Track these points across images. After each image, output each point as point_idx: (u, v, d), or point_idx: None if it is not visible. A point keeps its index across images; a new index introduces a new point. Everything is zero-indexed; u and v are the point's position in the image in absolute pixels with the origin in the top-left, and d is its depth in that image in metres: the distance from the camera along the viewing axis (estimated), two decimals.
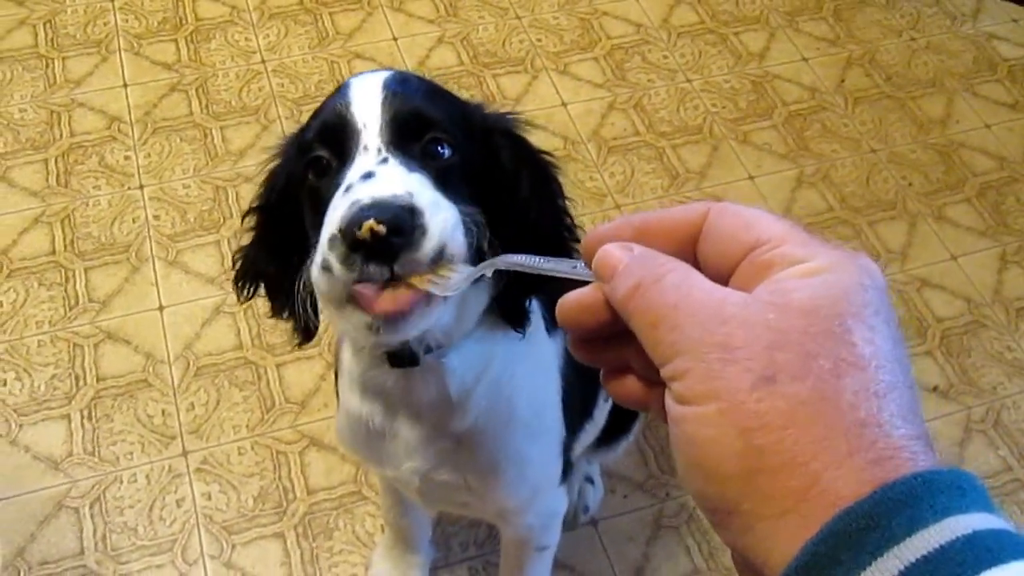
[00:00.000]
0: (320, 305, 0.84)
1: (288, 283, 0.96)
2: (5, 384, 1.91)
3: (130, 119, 2.38)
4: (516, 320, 1.04)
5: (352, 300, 0.78)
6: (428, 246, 0.74)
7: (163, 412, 1.89)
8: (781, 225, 0.47)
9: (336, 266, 0.76)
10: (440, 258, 0.75)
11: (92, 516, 1.76)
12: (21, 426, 1.86)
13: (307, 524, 1.76)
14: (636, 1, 2.77)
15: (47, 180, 2.24)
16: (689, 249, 0.50)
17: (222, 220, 2.19)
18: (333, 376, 1.30)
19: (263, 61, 2.53)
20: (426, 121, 0.89)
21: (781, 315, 0.43)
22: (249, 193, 2.16)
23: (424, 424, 1.10)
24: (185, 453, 1.84)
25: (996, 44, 2.77)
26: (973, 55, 2.74)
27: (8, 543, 1.72)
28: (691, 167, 2.38)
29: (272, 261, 1.01)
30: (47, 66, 2.48)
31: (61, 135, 2.33)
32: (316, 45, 2.58)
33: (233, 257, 1.08)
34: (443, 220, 0.77)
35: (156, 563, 1.71)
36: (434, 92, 0.96)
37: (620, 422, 1.65)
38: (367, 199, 0.75)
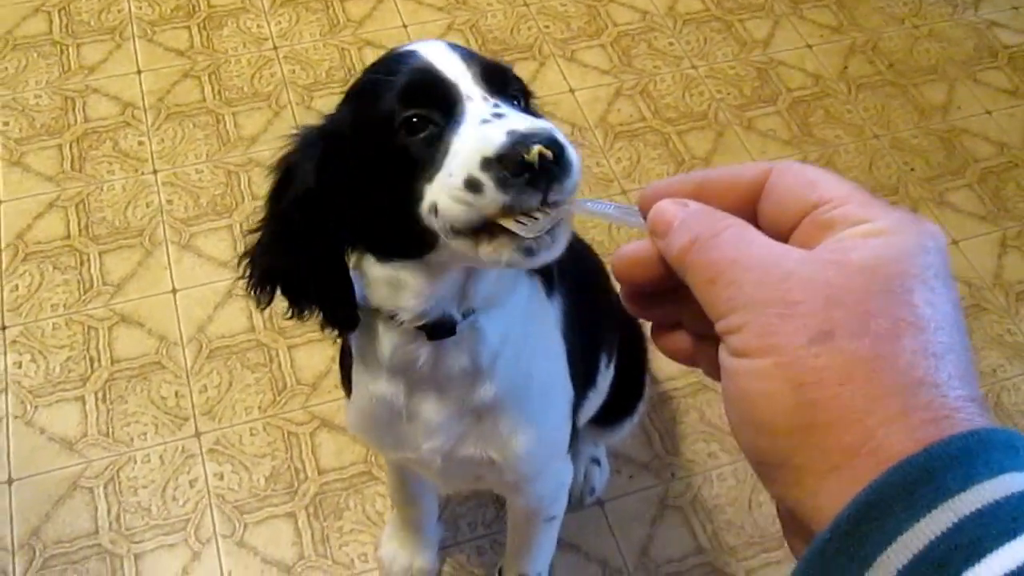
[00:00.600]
0: (445, 237, 0.82)
1: (330, 271, 0.98)
2: (20, 366, 1.94)
3: (144, 105, 2.40)
4: (548, 276, 1.08)
5: (484, 229, 0.78)
6: (573, 178, 0.76)
7: (176, 394, 1.92)
8: (844, 186, 0.47)
9: (491, 187, 0.75)
10: (571, 193, 0.76)
11: (106, 496, 1.79)
12: (36, 407, 1.89)
13: (318, 504, 1.79)
14: None
15: (62, 165, 2.27)
16: (748, 207, 0.50)
17: (235, 205, 2.21)
18: (341, 367, 1.29)
19: (275, 48, 2.55)
20: (508, 75, 0.92)
21: (841, 273, 0.43)
22: (261, 178, 2.21)
23: (449, 399, 1.11)
24: (198, 434, 1.87)
25: (997, 31, 2.79)
26: (974, 42, 2.75)
27: (23, 522, 1.75)
28: (696, 153, 2.40)
29: (302, 256, 0.98)
30: (62, 53, 2.51)
31: (76, 121, 2.36)
32: (327, 32, 2.60)
33: (242, 266, 1.04)
34: (577, 157, 0.77)
35: (169, 542, 1.74)
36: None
37: (624, 399, 1.67)
38: (524, 128, 0.77)
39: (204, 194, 2.23)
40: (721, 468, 1.89)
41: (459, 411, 1.13)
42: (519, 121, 0.79)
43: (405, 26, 2.62)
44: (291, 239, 0.98)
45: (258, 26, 2.60)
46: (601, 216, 0.59)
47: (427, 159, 0.83)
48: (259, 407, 1.91)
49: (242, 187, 2.24)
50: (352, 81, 1.00)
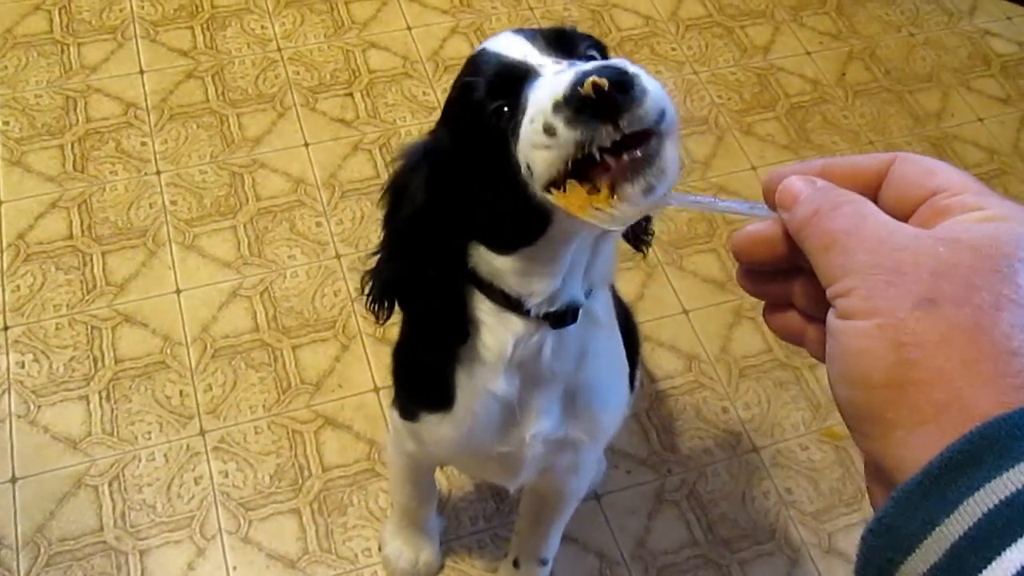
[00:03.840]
0: (541, 194, 0.83)
1: (445, 283, 1.04)
2: (23, 366, 1.94)
3: (146, 105, 2.40)
4: (641, 241, 1.13)
5: (574, 176, 0.78)
6: (649, 102, 0.75)
7: (181, 393, 1.93)
8: (962, 176, 0.50)
9: (562, 128, 0.77)
10: (662, 120, 0.76)
11: (111, 494, 1.79)
12: (40, 407, 1.89)
13: (322, 500, 1.81)
14: None
15: (64, 165, 2.27)
16: (870, 194, 0.52)
17: (238, 205, 2.22)
18: (412, 382, 1.30)
19: (279, 49, 2.55)
20: (574, 37, 0.94)
21: (950, 249, 0.45)
22: (266, 179, 2.24)
23: (556, 384, 1.15)
24: (203, 432, 1.88)
25: (990, 40, 2.82)
26: (968, 51, 2.79)
27: (28, 520, 1.75)
28: (696, 157, 2.42)
29: (419, 268, 1.04)
30: (63, 52, 2.50)
31: (77, 121, 2.36)
32: (332, 34, 2.60)
33: (363, 283, 1.10)
34: (657, 83, 0.77)
35: (174, 539, 1.75)
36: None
37: None
38: (589, 67, 0.77)
39: (208, 195, 2.24)
40: (716, 464, 1.92)
41: (561, 395, 1.16)
42: (587, 64, 0.80)
43: (409, 28, 2.63)
44: (407, 255, 1.03)
45: (262, 27, 2.61)
46: (705, 208, 0.62)
47: (514, 128, 0.86)
48: (263, 406, 1.92)
49: (246, 188, 2.25)
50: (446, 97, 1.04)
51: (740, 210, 0.58)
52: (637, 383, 1.78)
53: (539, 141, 0.80)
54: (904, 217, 0.51)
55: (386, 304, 1.09)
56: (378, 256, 1.08)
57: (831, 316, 0.48)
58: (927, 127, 2.57)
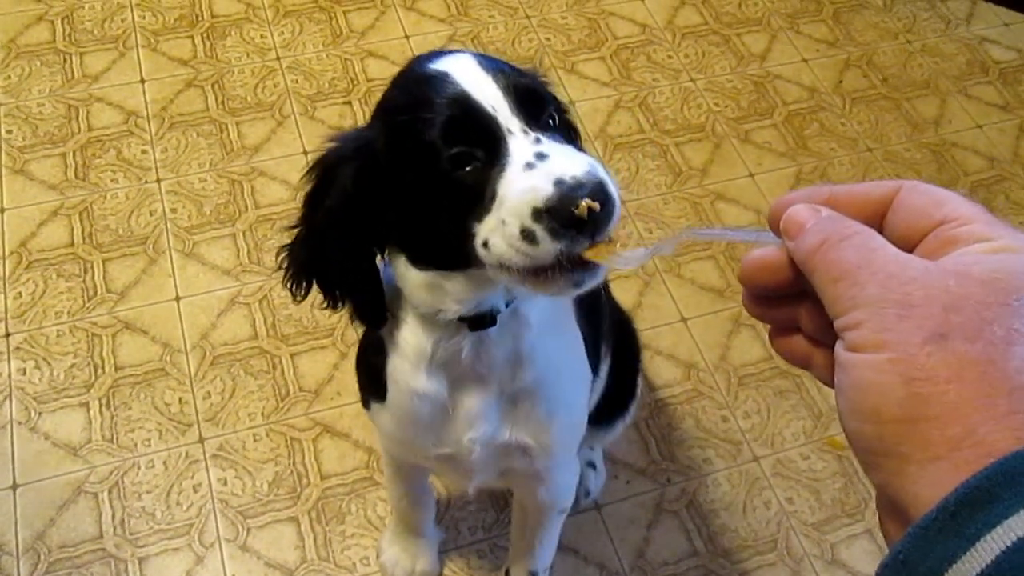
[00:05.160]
0: (493, 270, 0.89)
1: (362, 271, 1.04)
2: (25, 373, 1.95)
3: (147, 114, 2.42)
4: None
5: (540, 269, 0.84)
6: (615, 216, 0.81)
7: (180, 400, 1.93)
8: (970, 206, 0.50)
9: (545, 238, 0.81)
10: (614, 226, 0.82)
11: (110, 501, 1.80)
12: (40, 414, 1.90)
13: (320, 509, 1.81)
14: (642, 2, 2.82)
15: (65, 173, 2.28)
16: (875, 222, 0.53)
17: (238, 213, 2.23)
18: (362, 371, 1.31)
19: (278, 58, 2.57)
20: (542, 98, 0.94)
21: (961, 282, 0.45)
22: (265, 187, 2.24)
23: (489, 387, 1.14)
24: (202, 440, 1.89)
25: (988, 47, 2.83)
26: (966, 58, 2.79)
27: (28, 527, 1.76)
28: (694, 164, 2.43)
29: (338, 256, 1.03)
30: (65, 61, 2.52)
31: (79, 129, 2.37)
32: (330, 43, 2.62)
33: (280, 258, 1.10)
34: (617, 191, 0.83)
35: (173, 546, 1.76)
36: (516, 68, 0.98)
37: (618, 398, 1.69)
38: (569, 178, 0.81)
39: (208, 203, 2.25)
40: (716, 473, 1.92)
41: (498, 398, 1.16)
42: (563, 164, 0.83)
43: (407, 37, 2.64)
44: (327, 238, 1.03)
45: (261, 36, 2.62)
46: (715, 238, 0.64)
47: (475, 197, 0.87)
48: (262, 413, 1.92)
49: (245, 196, 2.26)
50: (383, 95, 1.02)
51: (749, 239, 0.59)
52: (639, 390, 1.78)
53: (516, 245, 0.83)
54: (910, 246, 0.51)
55: (303, 284, 1.09)
56: (296, 232, 1.07)
57: (840, 348, 0.48)
58: (925, 134, 2.57)
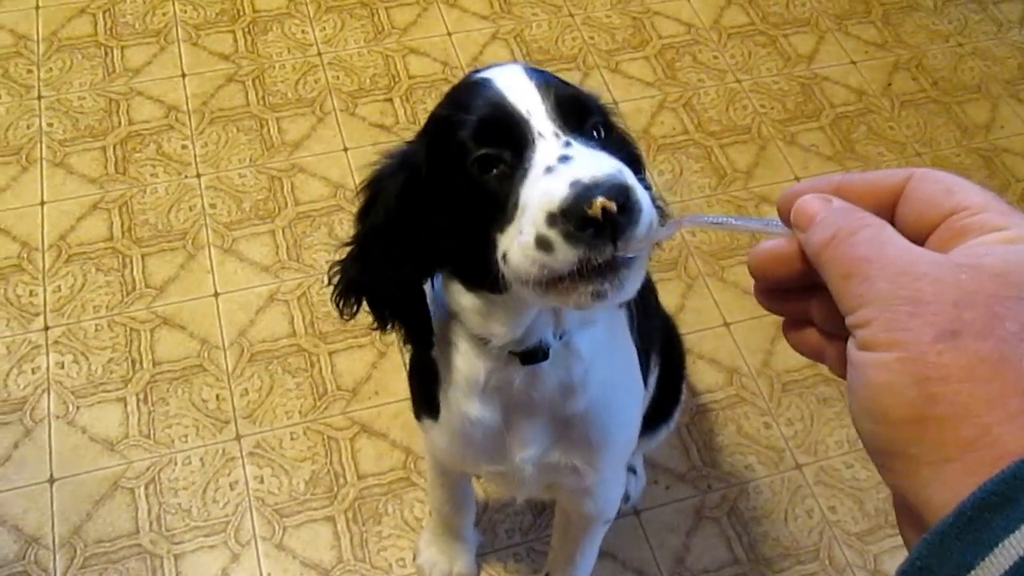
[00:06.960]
0: (515, 286, 0.84)
1: (408, 292, 1.02)
2: (63, 367, 1.95)
3: (188, 108, 2.41)
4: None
5: (558, 280, 0.79)
6: (644, 223, 0.75)
7: (217, 397, 1.93)
8: (983, 194, 0.49)
9: (560, 244, 0.76)
10: (648, 235, 0.76)
11: (147, 496, 1.79)
12: (78, 408, 1.90)
13: (357, 509, 1.80)
14: (687, 1, 2.78)
15: (105, 167, 2.28)
16: (887, 212, 0.51)
17: (277, 210, 2.22)
18: (414, 386, 1.30)
19: (319, 54, 2.56)
20: (585, 106, 0.90)
21: (972, 276, 0.44)
22: (305, 184, 2.23)
23: (541, 413, 1.13)
24: (239, 437, 1.87)
25: None
26: (1018, 61, 2.74)
27: (64, 521, 1.76)
28: (738, 167, 2.40)
29: (385, 275, 1.02)
30: (106, 55, 2.52)
31: (119, 123, 2.37)
32: (372, 39, 2.60)
33: (330, 275, 1.08)
34: (647, 196, 0.77)
35: (209, 543, 1.75)
36: (567, 82, 0.96)
37: (663, 405, 1.67)
38: (587, 178, 0.75)
39: (247, 199, 2.24)
40: (757, 480, 1.88)
41: (550, 421, 1.15)
42: (583, 166, 0.78)
43: (450, 34, 2.63)
44: (375, 257, 1.01)
45: (303, 32, 2.61)
46: (720, 227, 0.60)
47: (499, 206, 0.84)
48: (299, 412, 1.91)
49: (285, 192, 2.25)
50: (433, 107, 1.01)
51: (755, 227, 0.57)
52: (683, 396, 1.75)
53: (531, 255, 0.79)
54: (922, 237, 0.49)
55: (352, 301, 1.07)
56: (348, 250, 1.05)
57: (851, 346, 0.47)
58: (975, 139, 2.52)
